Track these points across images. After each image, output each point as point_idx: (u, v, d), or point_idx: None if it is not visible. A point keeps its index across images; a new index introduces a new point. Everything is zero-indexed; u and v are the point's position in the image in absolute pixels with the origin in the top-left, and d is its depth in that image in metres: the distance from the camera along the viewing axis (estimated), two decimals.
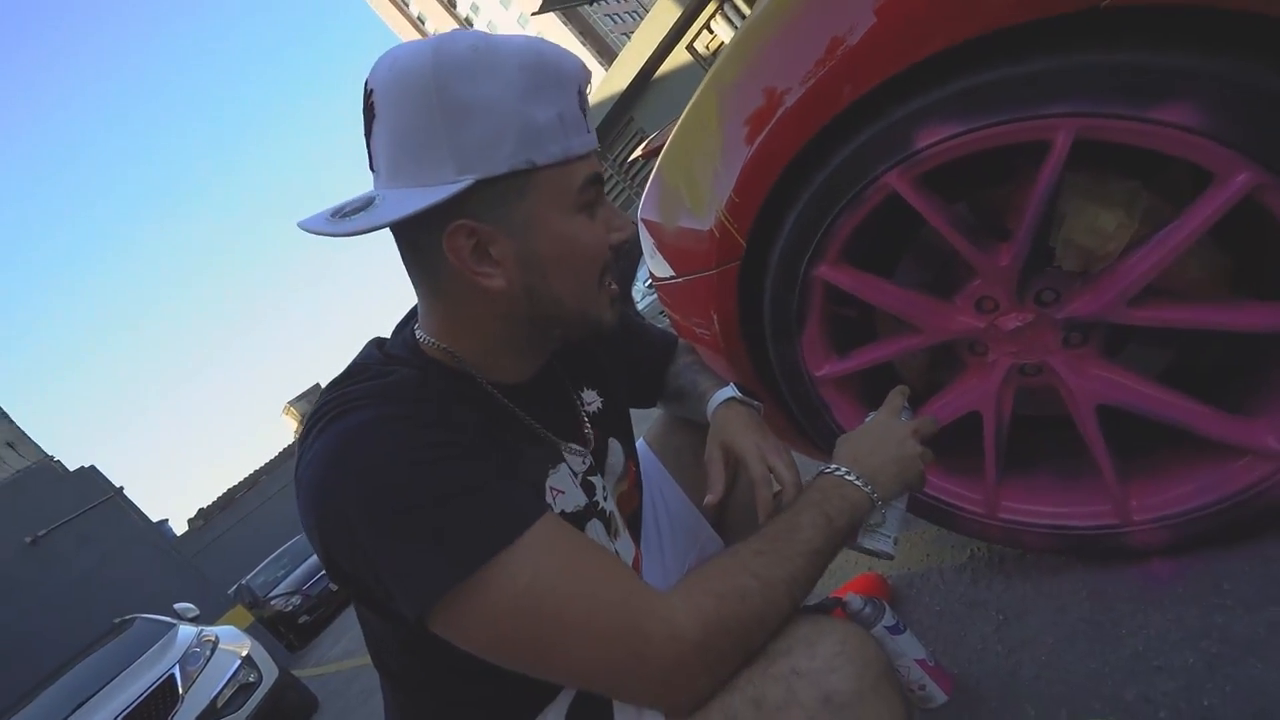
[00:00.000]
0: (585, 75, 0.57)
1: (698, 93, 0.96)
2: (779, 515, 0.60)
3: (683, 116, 0.99)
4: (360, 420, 0.50)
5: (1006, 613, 0.97)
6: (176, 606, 5.12)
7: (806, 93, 0.79)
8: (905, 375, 1.07)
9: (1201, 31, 0.61)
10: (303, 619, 8.55)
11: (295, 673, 4.96)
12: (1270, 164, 0.60)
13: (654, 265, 1.17)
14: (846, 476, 0.64)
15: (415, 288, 0.60)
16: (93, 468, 8.75)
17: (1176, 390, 0.79)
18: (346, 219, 0.51)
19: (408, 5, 58.42)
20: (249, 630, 5.93)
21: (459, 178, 0.51)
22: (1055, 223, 0.80)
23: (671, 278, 1.10)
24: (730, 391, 0.81)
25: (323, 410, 0.53)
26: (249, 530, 16.97)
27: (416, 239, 0.56)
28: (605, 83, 10.58)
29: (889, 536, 0.68)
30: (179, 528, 22.88)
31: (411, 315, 0.67)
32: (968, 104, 0.71)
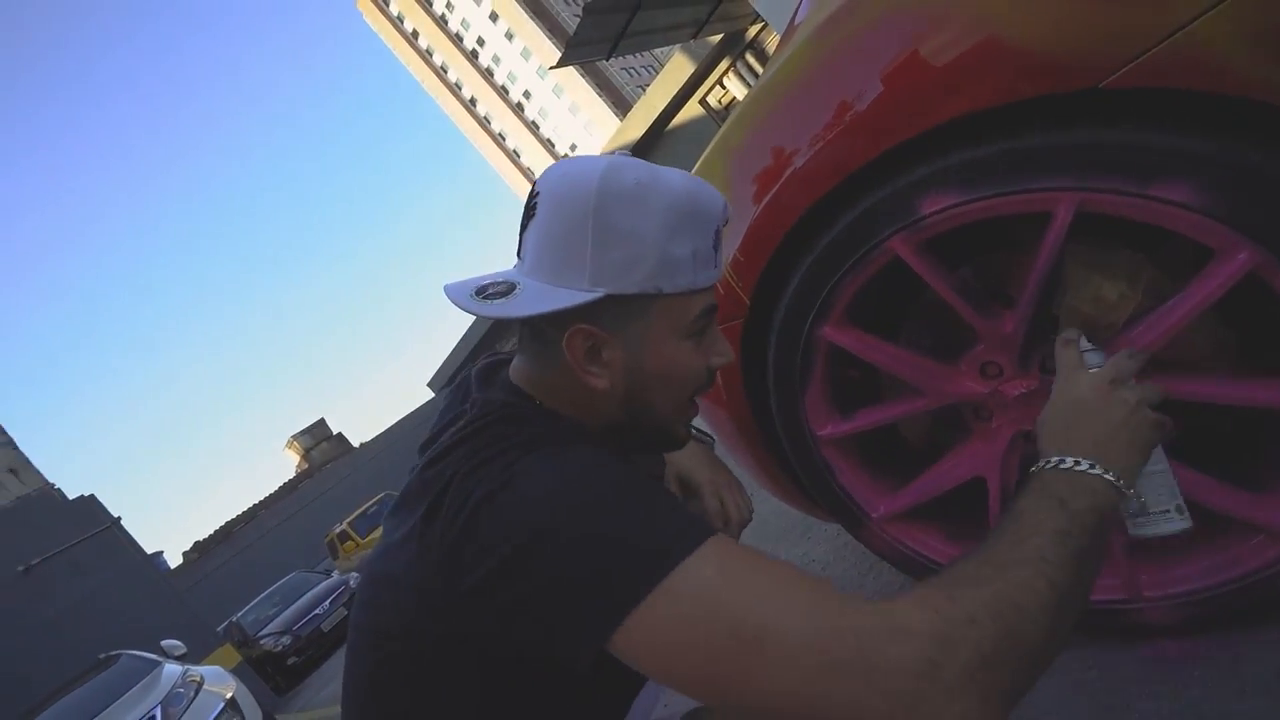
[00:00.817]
0: (726, 216, 0.63)
1: (707, 152, 0.99)
2: (997, 522, 0.53)
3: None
4: (576, 453, 0.56)
5: None
6: (164, 643, 5.01)
7: (814, 156, 0.81)
8: (908, 438, 1.06)
9: (1201, 113, 0.62)
10: (291, 660, 8.31)
11: (280, 718, 4.81)
12: (1270, 244, 0.61)
13: None
14: (1062, 465, 0.55)
15: (525, 356, 0.66)
16: (92, 497, 8.71)
17: (1183, 463, 0.78)
18: (489, 300, 0.59)
19: (416, 39, 60.69)
20: (236, 670, 5.78)
21: (592, 289, 0.57)
22: (1059, 291, 0.80)
23: None
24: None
25: (513, 444, 0.56)
26: (244, 565, 16.75)
27: (542, 328, 0.62)
28: (619, 133, 10.91)
29: (1166, 510, 0.59)
30: (174, 560, 22.58)
31: (492, 370, 0.71)
32: (970, 174, 0.72)
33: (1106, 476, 0.54)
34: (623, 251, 0.57)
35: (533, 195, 0.61)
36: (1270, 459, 0.79)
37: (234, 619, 10.30)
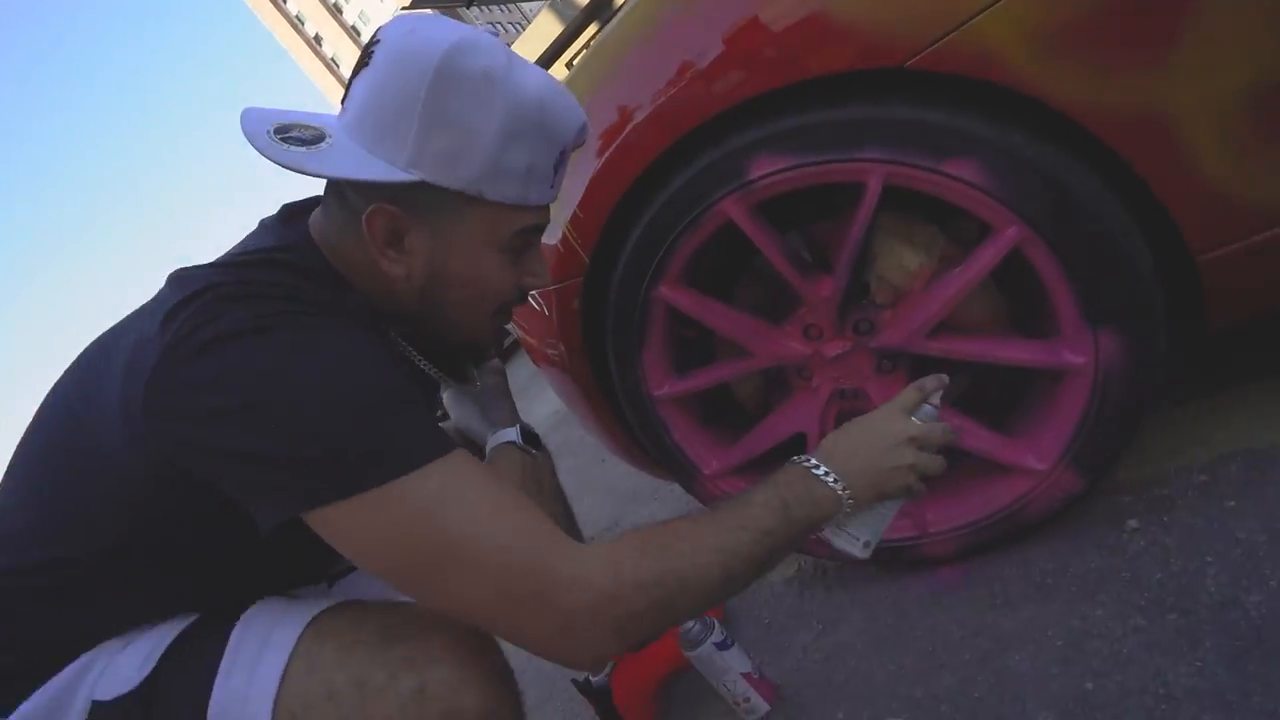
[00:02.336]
0: (579, 140, 0.61)
1: None
2: (734, 495, 0.61)
3: None
4: (318, 322, 0.52)
5: (825, 621, 1.03)
6: None
7: (653, 112, 0.80)
8: (741, 397, 1.12)
9: (989, 99, 0.69)
10: None
11: None
12: (1031, 221, 0.70)
13: None
14: (815, 470, 0.62)
15: (325, 213, 0.60)
16: None
17: (963, 414, 0.89)
18: (289, 147, 0.53)
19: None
20: None
21: (408, 170, 0.53)
22: (870, 259, 0.87)
23: None
24: (511, 435, 0.81)
25: (289, 295, 0.53)
26: None
27: (347, 192, 0.57)
28: None
29: (859, 540, 0.65)
30: None
31: (295, 214, 0.64)
32: (797, 141, 0.75)
33: (840, 508, 0.62)
34: (450, 142, 0.53)
35: (372, 42, 0.55)
36: (1021, 410, 0.92)
37: None
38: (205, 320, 0.48)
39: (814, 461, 0.63)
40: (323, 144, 0.54)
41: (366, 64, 0.55)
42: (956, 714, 0.78)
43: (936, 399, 0.67)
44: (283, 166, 0.52)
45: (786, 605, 1.11)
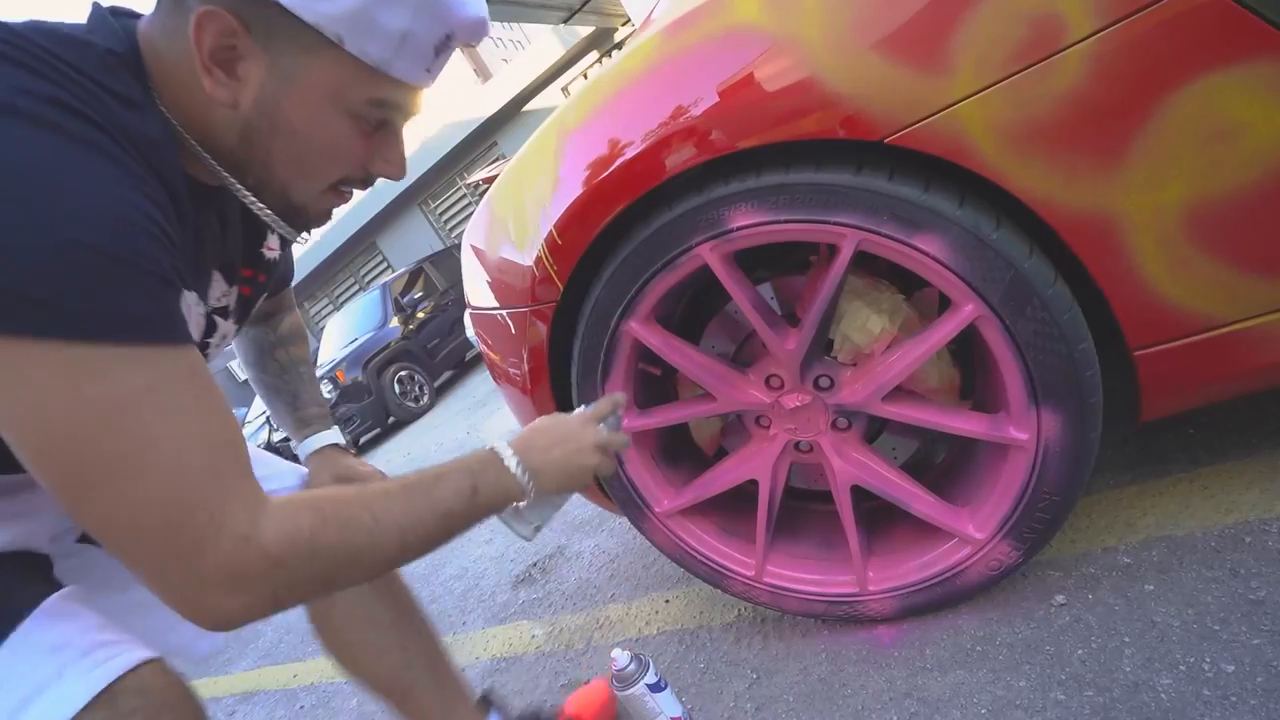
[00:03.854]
0: (472, 34, 0.54)
1: (539, 131, 0.96)
2: (426, 469, 0.59)
3: (520, 151, 0.99)
4: (81, 136, 0.43)
5: (760, 671, 1.03)
6: None
7: (643, 151, 0.82)
8: (698, 438, 1.13)
9: (960, 179, 0.73)
10: None
11: None
12: (988, 300, 0.73)
13: (473, 293, 1.12)
14: (508, 462, 0.63)
15: (156, 15, 0.52)
16: None
17: (911, 478, 0.92)
18: None
19: None
20: None
21: None
22: (836, 318, 0.90)
23: (491, 308, 1.07)
24: (336, 436, 0.82)
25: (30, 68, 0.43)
26: None
27: None
28: (477, 101, 10.38)
29: (531, 524, 0.69)
30: None
31: (128, 14, 0.55)
32: (777, 198, 0.78)
33: (524, 499, 0.63)
34: None
35: None
36: (965, 479, 0.95)
37: None
38: None
39: (512, 454, 0.63)
40: None
41: None
42: None
43: (620, 413, 0.77)
44: None
45: (723, 652, 1.11)
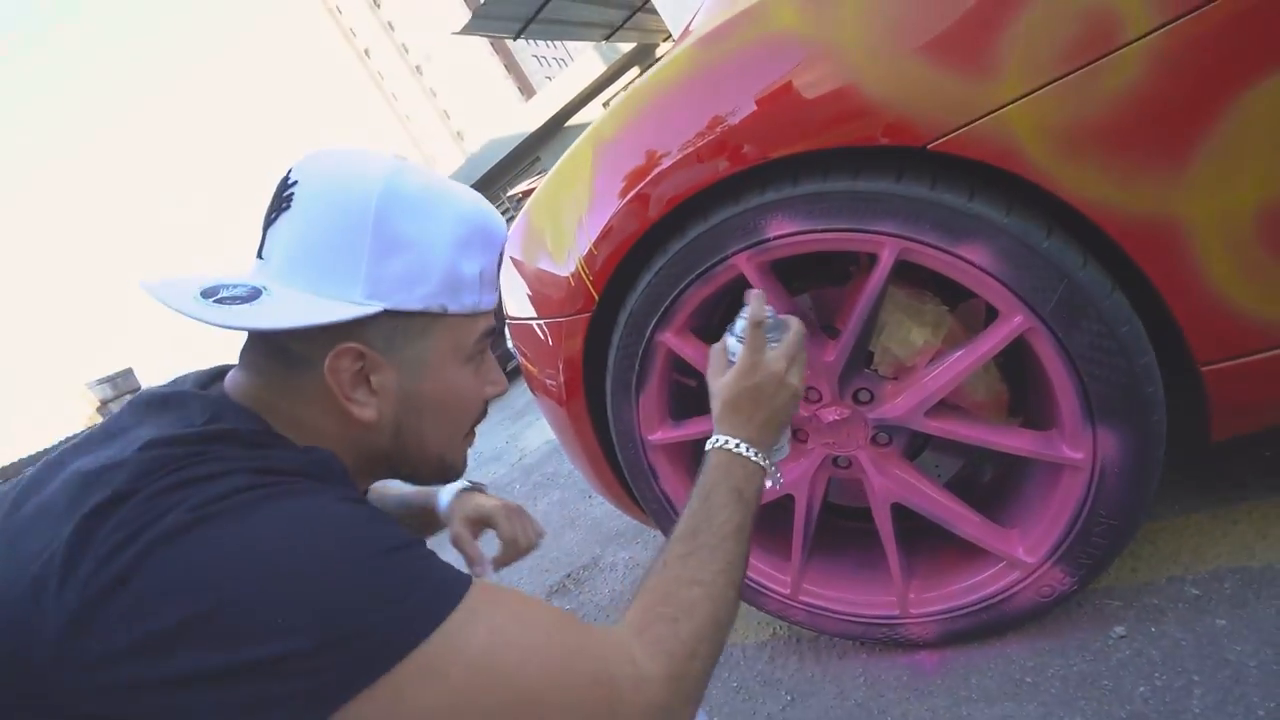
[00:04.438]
0: (505, 241, 0.61)
1: (577, 142, 0.97)
2: (688, 507, 0.60)
3: (558, 163, 0.99)
4: (311, 499, 0.44)
5: (795, 693, 1.00)
6: None
7: (679, 161, 0.81)
8: None
9: (1008, 186, 0.70)
10: None
11: None
12: (1038, 311, 0.70)
13: (511, 303, 1.13)
14: (739, 450, 0.63)
15: (253, 378, 0.52)
16: None
17: (956, 497, 0.88)
18: (225, 306, 0.47)
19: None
20: None
21: (366, 302, 0.50)
22: (877, 330, 0.87)
23: (528, 318, 1.08)
24: (463, 484, 0.83)
25: (240, 468, 0.43)
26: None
27: (291, 345, 0.51)
28: (519, 117, 10.62)
29: (776, 474, 0.69)
30: None
31: (208, 382, 0.56)
32: (815, 207, 0.76)
33: (762, 464, 0.64)
34: (406, 262, 0.51)
35: (287, 185, 0.52)
36: (1014, 499, 0.91)
37: None
38: (131, 534, 0.38)
39: (734, 442, 0.64)
40: (262, 298, 0.48)
41: (287, 208, 0.51)
42: None
43: (768, 308, 0.69)
44: (230, 329, 0.47)
45: (757, 671, 1.08)
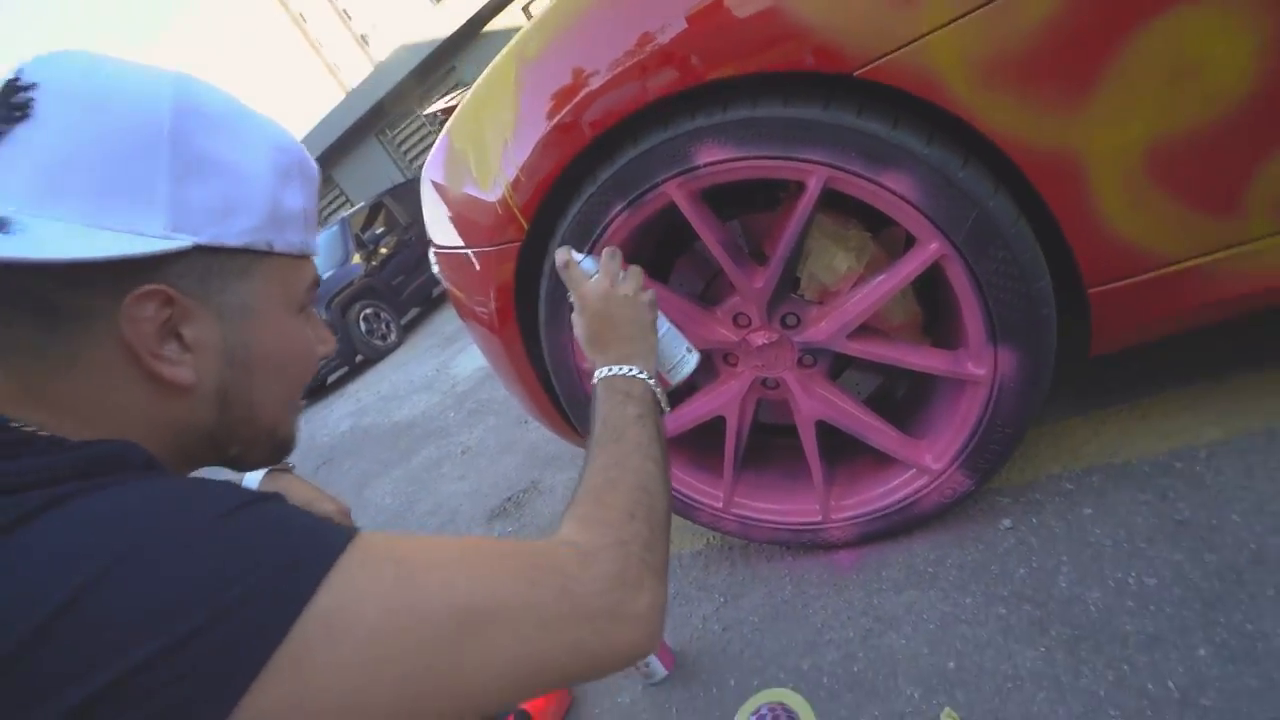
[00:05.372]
0: (318, 179, 0.54)
1: (497, 60, 0.91)
2: (590, 430, 0.61)
3: (478, 82, 0.93)
4: (127, 491, 0.36)
5: (727, 595, 1.09)
6: None
7: (609, 82, 0.79)
8: None
9: (928, 117, 0.72)
10: None
11: None
12: (952, 238, 0.74)
13: (436, 231, 1.09)
14: (610, 373, 0.65)
15: (8, 356, 0.40)
16: None
17: (874, 412, 0.95)
18: None
19: None
20: None
21: (171, 234, 0.40)
22: (803, 257, 0.90)
23: (456, 247, 1.04)
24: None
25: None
26: None
27: (58, 295, 0.39)
28: (431, 22, 9.72)
29: (681, 357, 0.73)
30: None
31: None
32: (745, 133, 0.76)
33: (639, 375, 0.65)
34: (221, 188, 0.43)
35: (17, 88, 0.39)
36: (923, 413, 0.99)
37: None
38: None
39: (602, 373, 0.66)
40: (11, 228, 0.37)
41: (22, 117, 0.39)
42: (837, 685, 0.85)
43: (574, 253, 0.73)
44: None
45: (692, 577, 1.16)
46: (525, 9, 9.36)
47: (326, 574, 0.35)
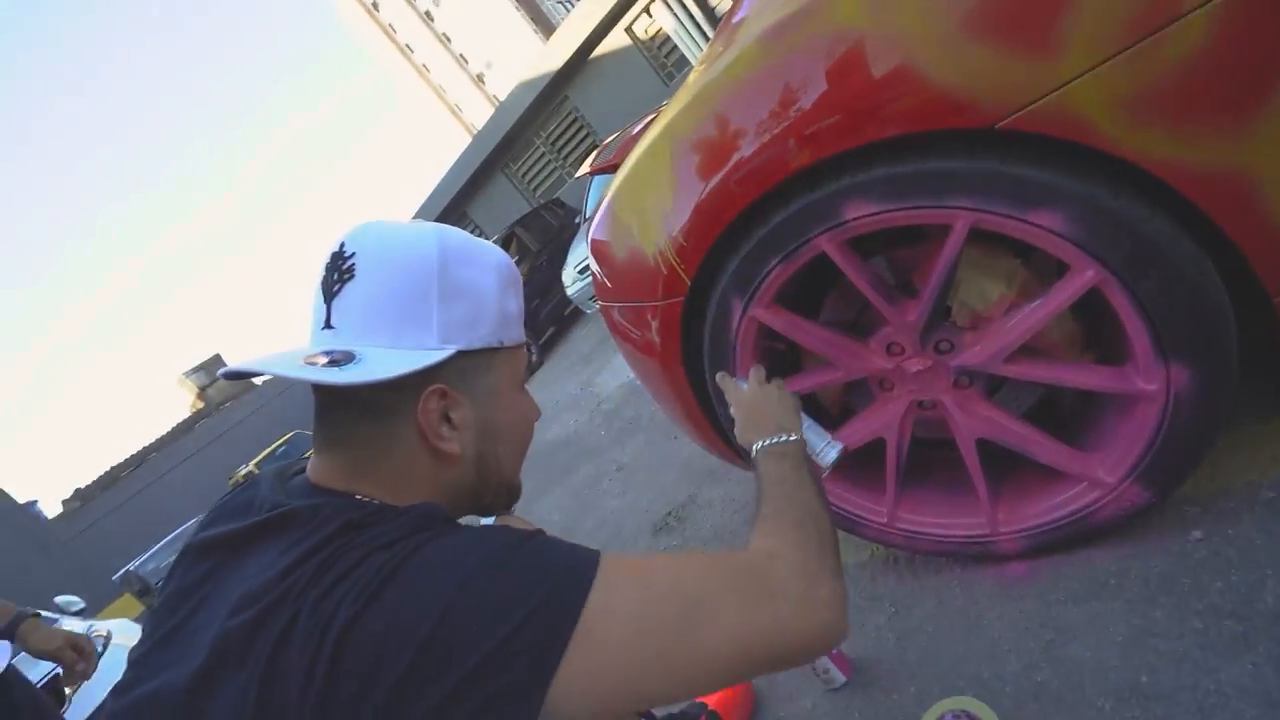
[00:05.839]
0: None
1: (653, 137, 1.04)
2: (759, 496, 0.69)
3: (636, 156, 1.08)
4: (448, 540, 0.50)
5: (898, 605, 1.14)
6: (58, 600, 4.72)
7: (757, 153, 0.89)
8: (823, 401, 1.22)
9: (1076, 157, 0.75)
10: None
11: None
12: (1108, 265, 0.76)
13: (602, 290, 1.25)
14: (769, 443, 0.75)
15: (340, 451, 0.57)
16: None
17: (1036, 427, 0.97)
18: (338, 368, 0.52)
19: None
20: (139, 620, 5.58)
21: (442, 346, 0.56)
22: (953, 287, 0.94)
23: (620, 303, 1.19)
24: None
25: (369, 547, 0.49)
26: (135, 513, 15.67)
27: (381, 397, 0.55)
28: (542, 57, 10.35)
29: (825, 446, 0.81)
30: (51, 510, 20.85)
31: (285, 477, 0.63)
32: (888, 188, 0.83)
33: (791, 439, 0.75)
34: (468, 306, 0.58)
35: (344, 257, 0.57)
36: (1094, 423, 0.99)
37: (131, 568, 9.83)
38: (318, 641, 0.43)
39: (759, 446, 0.76)
40: (358, 358, 0.53)
41: (351, 278, 0.56)
42: (1020, 695, 0.88)
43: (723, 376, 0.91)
44: (346, 386, 0.52)
45: (861, 588, 1.22)
46: (628, 30, 9.69)
47: (592, 583, 0.48)
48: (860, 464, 1.17)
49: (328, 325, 0.56)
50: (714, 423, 1.20)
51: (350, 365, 0.52)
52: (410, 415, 0.56)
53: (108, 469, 19.82)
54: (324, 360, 0.52)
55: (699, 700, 1.16)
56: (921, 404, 1.04)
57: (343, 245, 0.58)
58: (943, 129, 0.77)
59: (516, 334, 0.64)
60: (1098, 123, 0.70)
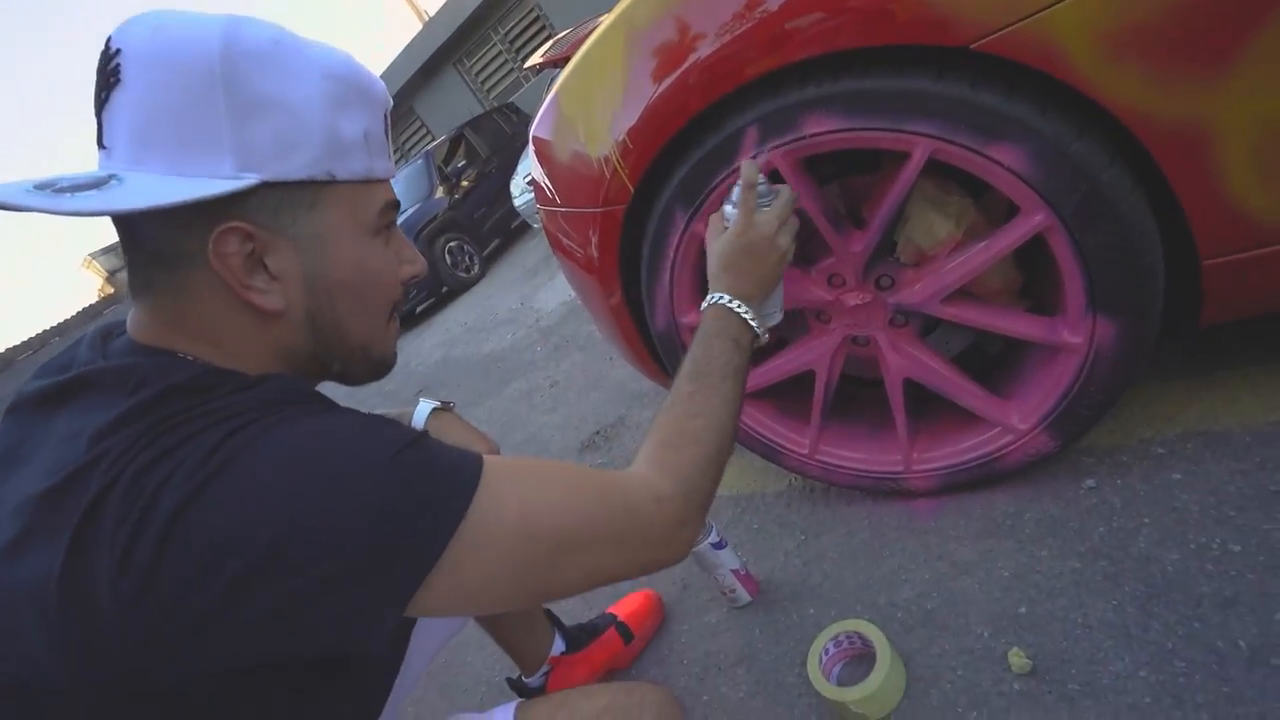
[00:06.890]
0: (389, 102, 0.56)
1: (605, 27, 0.94)
2: (690, 354, 0.67)
3: (586, 47, 0.98)
4: (305, 426, 0.44)
5: (808, 533, 1.18)
6: None
7: (718, 52, 0.81)
8: None
9: (1043, 89, 0.71)
10: None
11: None
12: (1059, 211, 0.75)
13: (543, 190, 1.16)
14: (734, 306, 0.70)
15: (147, 301, 0.49)
16: None
17: (962, 372, 0.98)
18: (68, 195, 0.41)
19: None
20: None
21: (239, 174, 0.45)
22: (900, 222, 0.92)
23: (563, 207, 1.11)
24: (434, 403, 0.84)
25: (200, 420, 0.43)
26: None
27: (162, 238, 0.46)
28: None
29: (774, 312, 0.79)
30: None
31: (108, 335, 0.54)
32: (852, 105, 0.78)
33: (752, 322, 0.70)
34: (276, 125, 0.46)
35: (112, 56, 0.45)
36: (1015, 371, 1.01)
37: None
38: (136, 525, 0.38)
39: (729, 298, 0.71)
40: (111, 184, 0.43)
41: (116, 82, 0.45)
42: (910, 620, 0.93)
43: (762, 177, 0.77)
44: (72, 215, 0.41)
45: (775, 515, 1.26)
46: None
47: (466, 512, 0.45)
48: (787, 394, 1.17)
49: (102, 144, 0.46)
50: (648, 344, 1.17)
51: (100, 189, 0.42)
52: (204, 259, 0.46)
53: (3, 350, 18.34)
54: (70, 182, 0.42)
55: (609, 611, 1.19)
56: (855, 340, 1.04)
57: (109, 41, 0.46)
58: (915, 44, 0.71)
59: (360, 166, 0.51)
60: (1073, 55, 0.66)
